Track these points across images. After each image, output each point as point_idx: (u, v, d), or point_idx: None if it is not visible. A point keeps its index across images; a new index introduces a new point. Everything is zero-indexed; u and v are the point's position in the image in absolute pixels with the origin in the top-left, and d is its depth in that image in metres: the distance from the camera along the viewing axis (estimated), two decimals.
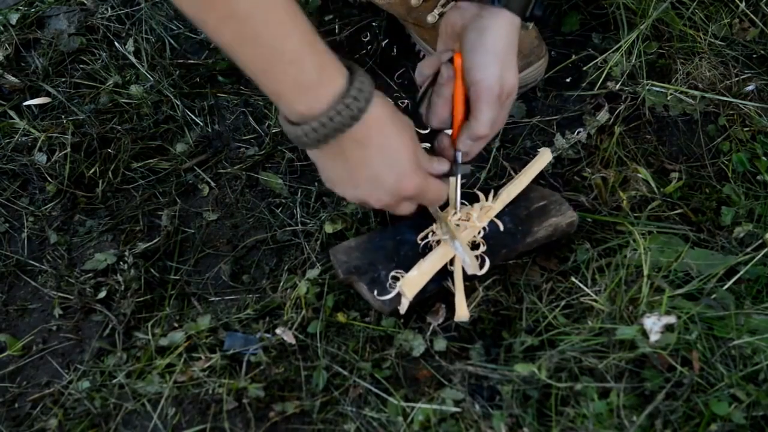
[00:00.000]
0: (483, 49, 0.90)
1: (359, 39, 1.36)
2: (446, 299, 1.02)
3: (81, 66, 1.40)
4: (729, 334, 0.91)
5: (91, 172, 1.25)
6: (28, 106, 1.35)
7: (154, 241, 1.16)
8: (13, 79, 1.39)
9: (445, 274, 1.01)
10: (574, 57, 1.30)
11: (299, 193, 1.19)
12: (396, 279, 0.99)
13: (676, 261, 1.00)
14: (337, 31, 1.36)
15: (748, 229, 1.05)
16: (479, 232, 1.04)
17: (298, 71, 0.74)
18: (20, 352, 1.07)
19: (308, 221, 1.15)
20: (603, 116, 1.19)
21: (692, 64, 1.24)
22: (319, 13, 1.39)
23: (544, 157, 1.12)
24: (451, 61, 0.92)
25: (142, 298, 1.09)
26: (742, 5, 1.30)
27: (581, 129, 1.19)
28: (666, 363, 0.89)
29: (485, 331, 1.01)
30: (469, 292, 1.02)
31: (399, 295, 0.98)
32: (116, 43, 1.40)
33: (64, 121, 1.30)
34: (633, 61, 1.24)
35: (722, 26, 1.29)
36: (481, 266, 1.01)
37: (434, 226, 1.04)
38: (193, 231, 1.18)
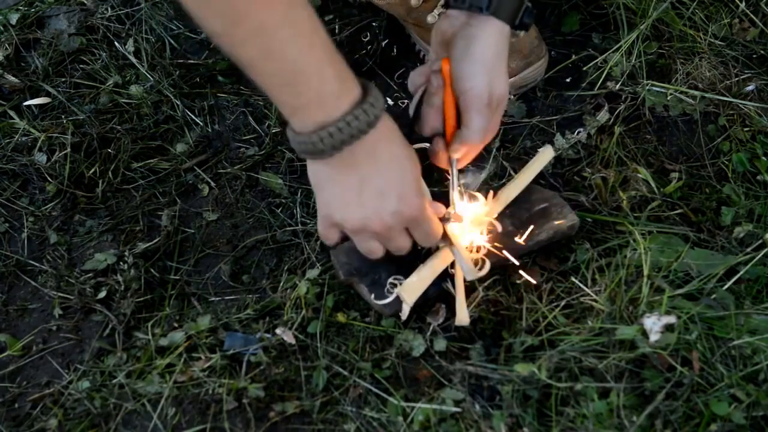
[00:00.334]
0: (471, 58, 0.90)
1: (359, 39, 1.36)
2: (446, 299, 1.02)
3: (81, 66, 1.40)
4: (729, 334, 0.91)
5: (91, 172, 1.25)
6: (28, 106, 1.35)
7: (154, 241, 1.16)
8: (13, 79, 1.39)
9: (445, 276, 1.01)
10: (574, 57, 1.30)
11: (299, 193, 1.19)
12: (395, 285, 0.99)
13: (676, 261, 1.00)
14: (337, 31, 1.36)
15: (748, 229, 1.05)
16: (479, 235, 1.04)
17: (321, 82, 0.75)
18: (20, 352, 1.07)
19: (308, 221, 1.15)
20: (603, 116, 1.19)
21: (692, 64, 1.24)
22: (319, 13, 1.38)
23: (546, 154, 1.12)
24: (440, 69, 0.92)
25: (142, 298, 1.09)
26: (742, 5, 1.30)
27: (581, 129, 1.19)
28: (666, 363, 0.89)
29: (485, 331, 1.01)
30: (469, 292, 1.02)
31: (398, 300, 0.98)
32: (116, 43, 1.40)
33: (64, 121, 1.30)
34: (633, 61, 1.24)
35: (722, 26, 1.29)
36: (482, 268, 1.01)
37: None
38: (193, 231, 1.18)
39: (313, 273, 1.06)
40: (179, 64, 1.36)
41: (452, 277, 1.01)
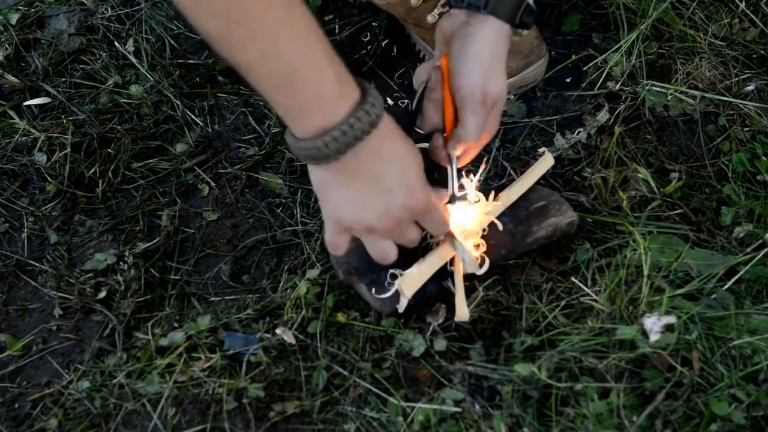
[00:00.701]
0: (466, 56, 0.90)
1: (359, 39, 1.36)
2: (446, 299, 1.02)
3: (81, 66, 1.40)
4: (729, 334, 0.91)
5: (91, 172, 1.25)
6: (28, 106, 1.35)
7: (154, 241, 1.16)
8: (13, 79, 1.39)
9: (445, 274, 1.01)
10: (574, 57, 1.30)
11: (299, 193, 1.19)
12: (394, 277, 0.99)
13: (676, 261, 1.00)
14: (337, 31, 1.36)
15: (748, 229, 1.05)
16: (478, 233, 1.04)
17: (320, 84, 0.74)
18: (20, 352, 1.07)
19: (308, 221, 1.15)
20: (603, 116, 1.19)
21: (692, 64, 1.24)
22: (319, 13, 1.39)
23: (545, 162, 1.12)
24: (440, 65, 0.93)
25: (142, 298, 1.09)
26: (742, 5, 1.30)
27: (581, 129, 1.19)
28: (666, 363, 0.89)
29: (485, 331, 1.01)
30: (469, 292, 1.02)
31: (398, 294, 0.98)
32: (116, 43, 1.40)
33: (64, 121, 1.30)
34: (633, 61, 1.24)
35: (722, 26, 1.29)
36: (481, 266, 1.01)
37: None
38: (193, 231, 1.18)
39: (313, 273, 1.06)
40: (179, 64, 1.36)
41: (452, 275, 1.01)
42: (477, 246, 1.03)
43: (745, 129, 1.18)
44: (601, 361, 0.91)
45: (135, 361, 1.02)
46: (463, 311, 0.98)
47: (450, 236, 0.99)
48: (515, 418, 0.90)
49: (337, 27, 1.37)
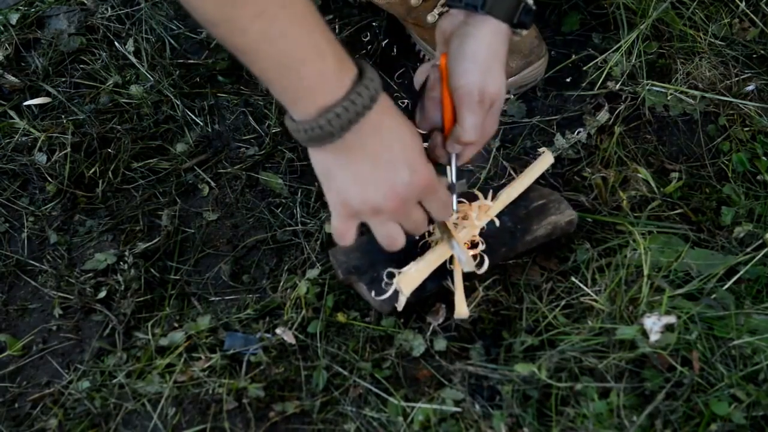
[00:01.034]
0: (463, 56, 0.90)
1: (359, 39, 1.36)
2: (446, 299, 1.02)
3: (81, 66, 1.40)
4: (729, 334, 0.91)
5: (91, 172, 1.25)
6: (28, 106, 1.35)
7: (154, 241, 1.16)
8: (13, 79, 1.39)
9: (444, 273, 1.01)
10: (574, 57, 1.30)
11: (299, 193, 1.19)
12: (392, 275, 0.99)
13: (676, 261, 1.00)
14: (337, 31, 1.36)
15: (748, 229, 1.05)
16: (477, 232, 1.04)
17: (322, 63, 0.75)
18: (20, 352, 1.07)
19: (308, 221, 1.15)
20: (603, 116, 1.19)
21: (692, 64, 1.24)
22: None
23: (545, 160, 1.12)
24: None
25: (142, 298, 1.09)
26: (742, 5, 1.30)
27: (581, 129, 1.19)
28: (666, 363, 0.89)
29: (485, 331, 1.01)
30: (469, 292, 1.02)
31: (397, 294, 0.98)
32: (116, 43, 1.40)
33: (64, 121, 1.30)
34: (633, 61, 1.24)
35: (722, 26, 1.29)
36: (480, 265, 1.01)
37: (432, 227, 1.04)
38: (193, 231, 1.18)
39: (313, 273, 1.06)
40: (179, 64, 1.36)
41: (452, 274, 1.01)
42: (476, 244, 1.03)
43: (745, 129, 1.18)
44: (601, 361, 0.91)
45: (135, 361, 1.02)
46: (462, 309, 0.98)
47: (447, 235, 0.99)
48: (515, 418, 0.90)
49: (337, 27, 1.37)
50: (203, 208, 1.21)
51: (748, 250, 1.03)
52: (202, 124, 1.30)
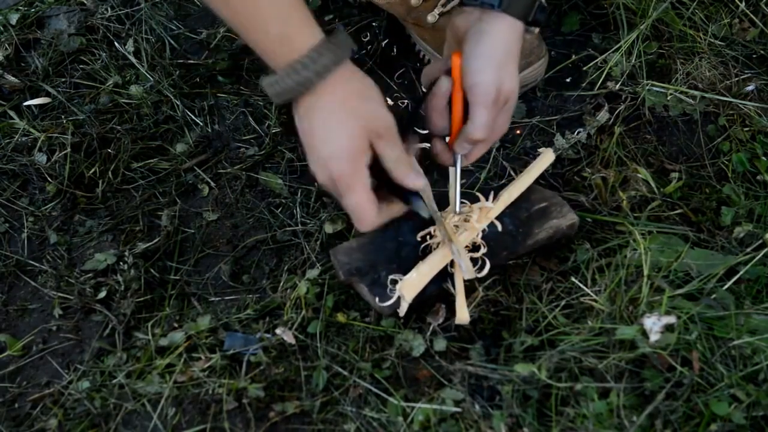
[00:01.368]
0: (479, 53, 0.90)
1: (359, 39, 1.36)
2: (446, 299, 1.02)
3: (81, 66, 1.40)
4: (729, 334, 0.91)
5: (91, 172, 1.25)
6: (28, 106, 1.35)
7: (154, 241, 1.16)
8: (13, 79, 1.39)
9: (445, 275, 1.01)
10: (574, 57, 1.30)
11: (299, 193, 1.19)
12: (395, 282, 0.99)
13: (676, 261, 1.00)
14: None
15: (748, 229, 1.05)
16: (479, 234, 1.04)
17: (265, 29, 0.80)
18: (20, 352, 1.07)
19: (308, 221, 1.15)
20: (603, 116, 1.19)
21: (692, 64, 1.24)
22: (319, 13, 1.39)
23: (546, 158, 1.12)
24: (448, 72, 0.92)
25: (142, 298, 1.09)
26: (742, 5, 1.30)
27: (581, 129, 1.19)
28: (666, 363, 0.89)
29: (485, 331, 1.01)
30: (469, 292, 1.02)
31: (400, 299, 0.98)
32: (116, 43, 1.40)
33: (64, 121, 1.30)
34: (633, 61, 1.24)
35: (722, 26, 1.29)
36: (482, 268, 1.01)
37: (433, 228, 1.04)
38: (193, 231, 1.18)
39: (313, 273, 1.06)
40: (179, 64, 1.36)
41: (452, 277, 1.01)
42: (477, 247, 1.03)
43: (745, 129, 1.18)
44: (601, 361, 0.91)
45: (135, 361, 1.02)
46: (463, 315, 0.98)
47: (448, 239, 0.99)
48: (515, 418, 0.90)
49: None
50: (203, 208, 1.21)
51: (748, 250, 1.03)
52: (202, 124, 1.30)
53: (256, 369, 0.99)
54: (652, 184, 1.12)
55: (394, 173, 0.86)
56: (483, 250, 1.03)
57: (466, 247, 1.03)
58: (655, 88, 1.21)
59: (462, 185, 1.02)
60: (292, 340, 1.00)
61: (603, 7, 1.33)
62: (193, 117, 1.30)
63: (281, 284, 1.08)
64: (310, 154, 0.86)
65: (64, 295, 1.11)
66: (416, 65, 1.33)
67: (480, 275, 1.01)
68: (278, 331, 1.01)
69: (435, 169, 1.05)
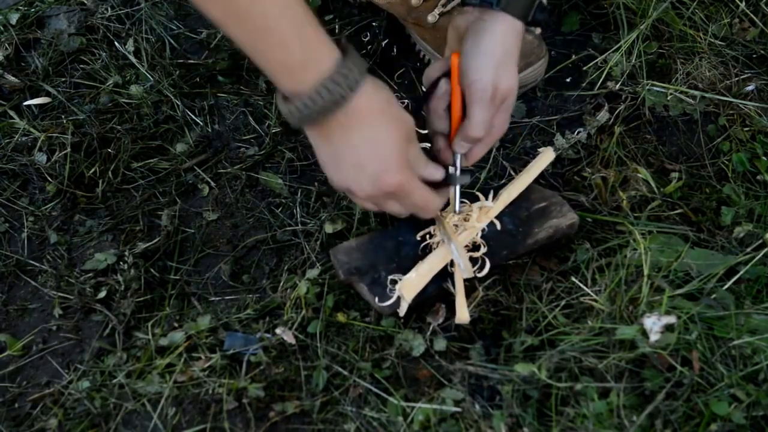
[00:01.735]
0: (477, 51, 0.91)
1: (359, 39, 1.36)
2: (446, 299, 1.02)
3: (81, 66, 1.40)
4: (729, 334, 0.91)
5: (91, 172, 1.25)
6: (28, 106, 1.35)
7: (154, 241, 1.16)
8: (13, 79, 1.39)
9: (445, 275, 1.01)
10: (574, 57, 1.30)
11: (299, 193, 1.19)
12: (395, 282, 0.99)
13: (676, 261, 1.00)
14: (337, 31, 1.36)
15: (748, 229, 1.05)
16: (478, 233, 1.04)
17: (285, 53, 0.75)
18: (20, 352, 1.07)
19: (308, 221, 1.15)
20: (603, 116, 1.19)
21: (692, 64, 1.24)
22: (319, 13, 1.39)
23: (546, 156, 1.12)
24: (448, 74, 0.92)
25: (142, 298, 1.09)
26: (742, 5, 1.30)
27: (581, 129, 1.19)
28: (666, 363, 0.89)
29: (485, 331, 1.01)
30: (469, 292, 1.02)
31: (400, 299, 0.98)
32: (116, 43, 1.40)
33: (64, 121, 1.30)
34: (633, 61, 1.24)
35: (722, 26, 1.29)
36: (482, 268, 1.01)
37: (433, 227, 1.04)
38: (193, 231, 1.18)
39: (313, 273, 1.06)
40: (179, 64, 1.36)
41: (452, 276, 1.01)
42: (477, 247, 1.03)
43: (745, 129, 1.18)
44: (601, 361, 0.91)
45: (135, 361, 1.02)
46: (463, 315, 0.98)
47: (447, 238, 0.99)
48: (515, 418, 0.90)
49: (337, 27, 1.37)
50: (203, 208, 1.21)
51: (748, 250, 1.03)
52: (202, 124, 1.30)
53: (256, 369, 0.99)
54: (652, 184, 1.12)
55: (416, 170, 0.89)
56: (483, 249, 1.03)
57: (466, 246, 1.03)
58: (655, 88, 1.21)
59: (462, 185, 1.03)
60: (292, 340, 1.01)
61: (603, 7, 1.33)
62: (193, 117, 1.30)
63: (281, 284, 1.08)
64: (355, 172, 0.83)
65: (64, 294, 1.11)
66: (416, 65, 1.33)
67: (480, 275, 1.01)
68: (278, 330, 1.01)
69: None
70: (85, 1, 1.47)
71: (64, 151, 1.26)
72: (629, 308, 0.95)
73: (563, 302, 1.00)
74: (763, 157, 1.14)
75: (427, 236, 1.04)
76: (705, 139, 1.19)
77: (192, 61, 1.37)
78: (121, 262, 1.12)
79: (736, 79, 1.23)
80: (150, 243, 1.15)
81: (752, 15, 1.30)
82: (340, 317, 1.02)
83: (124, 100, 1.33)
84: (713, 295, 0.97)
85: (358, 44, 1.36)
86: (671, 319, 0.91)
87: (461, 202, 1.04)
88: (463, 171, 0.98)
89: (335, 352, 1.00)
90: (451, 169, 0.98)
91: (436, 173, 0.92)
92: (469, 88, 0.91)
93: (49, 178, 1.24)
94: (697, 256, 1.01)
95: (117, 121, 1.31)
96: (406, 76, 1.33)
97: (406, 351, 0.99)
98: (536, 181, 1.11)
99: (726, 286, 0.98)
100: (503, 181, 1.16)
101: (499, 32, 0.91)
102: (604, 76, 1.24)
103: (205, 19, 0.76)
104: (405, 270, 1.00)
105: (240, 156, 1.26)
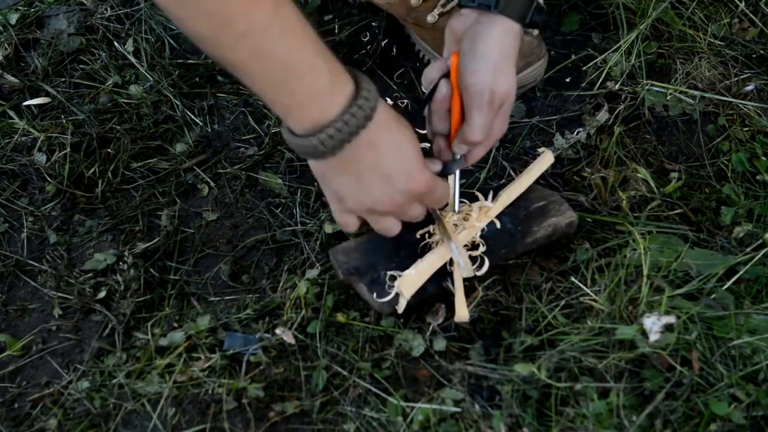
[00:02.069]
0: (475, 54, 0.91)
1: (359, 39, 1.36)
2: (446, 299, 1.02)
3: (80, 66, 1.40)
4: (729, 334, 0.91)
5: (90, 172, 1.25)
6: (28, 106, 1.35)
7: (154, 241, 1.16)
8: (12, 79, 1.39)
9: (444, 274, 1.01)
10: (573, 57, 1.30)
11: (299, 193, 1.19)
12: (394, 278, 0.99)
13: (675, 261, 1.00)
14: (337, 31, 1.36)
15: (748, 229, 1.05)
16: (477, 233, 1.04)
17: (314, 80, 0.74)
18: (20, 352, 1.07)
19: (308, 221, 1.15)
20: (602, 116, 1.19)
21: (692, 64, 1.24)
22: (319, 13, 1.39)
23: (545, 160, 1.12)
24: (448, 75, 0.92)
25: (141, 298, 1.09)
26: (742, 5, 1.30)
27: (581, 129, 1.20)
28: (666, 363, 0.89)
29: (485, 331, 1.01)
30: (469, 292, 1.02)
31: (398, 297, 0.98)
32: (116, 43, 1.40)
33: (64, 121, 1.30)
34: (632, 61, 1.24)
35: (722, 26, 1.29)
36: (481, 267, 1.01)
37: (432, 227, 1.04)
38: (192, 231, 1.18)
39: (312, 273, 1.06)
40: (179, 64, 1.36)
41: (452, 276, 1.01)
42: (476, 246, 1.03)
43: (745, 129, 1.18)
44: (601, 361, 0.91)
45: (135, 361, 1.02)
46: (463, 313, 0.98)
47: (447, 237, 0.99)
48: (515, 418, 0.90)
49: (337, 27, 1.37)
50: (203, 208, 1.21)
51: (748, 250, 1.03)
52: (201, 124, 1.30)
53: (255, 369, 0.99)
54: (652, 184, 1.12)
55: None
56: (482, 248, 1.03)
57: (465, 245, 1.03)
58: (654, 88, 1.21)
59: (461, 185, 1.03)
60: (292, 340, 1.01)
61: (603, 7, 1.33)
62: (192, 117, 1.30)
63: (281, 284, 1.08)
64: (384, 186, 0.83)
65: (63, 295, 1.11)
66: (416, 65, 1.33)
67: (479, 273, 1.01)
68: (278, 331, 1.01)
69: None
70: (85, 1, 1.47)
71: (64, 151, 1.26)
72: (629, 308, 0.95)
73: (563, 302, 1.00)
74: (763, 157, 1.14)
75: (427, 235, 1.04)
76: (704, 139, 1.19)
77: (191, 61, 1.37)
78: (120, 262, 1.12)
79: (736, 79, 1.23)
80: (150, 243, 1.15)
81: (752, 15, 1.30)
82: (340, 317, 1.02)
83: (123, 100, 1.33)
84: (713, 295, 0.97)
85: (357, 44, 1.36)
86: (671, 319, 0.91)
87: (461, 202, 1.04)
88: (456, 160, 0.99)
89: (335, 352, 1.00)
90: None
91: (435, 166, 0.95)
92: (466, 91, 0.91)
93: (49, 178, 1.24)
94: (697, 256, 1.01)
95: (116, 121, 1.31)
96: (405, 76, 1.33)
97: (406, 351, 0.99)
98: (536, 181, 1.11)
99: (726, 286, 0.98)
100: (503, 181, 1.16)
101: (496, 35, 0.91)
102: (603, 76, 1.24)
103: None
104: (404, 269, 1.00)
105: (239, 156, 1.26)
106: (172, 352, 1.01)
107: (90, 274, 1.13)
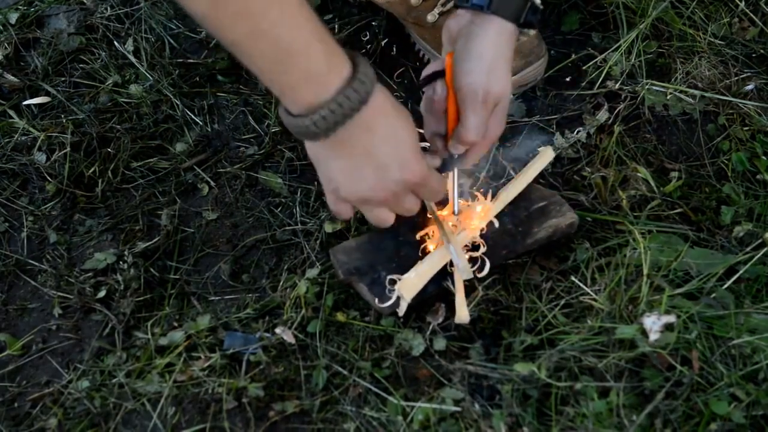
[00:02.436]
0: (468, 55, 0.90)
1: (359, 38, 1.36)
2: (446, 299, 1.02)
3: (80, 65, 1.39)
4: (729, 334, 0.91)
5: (90, 171, 1.25)
6: (28, 106, 1.35)
7: (154, 240, 1.16)
8: (12, 78, 1.39)
9: (445, 274, 1.01)
10: (573, 56, 1.30)
11: (299, 193, 1.19)
12: (394, 282, 0.99)
13: (675, 260, 1.00)
14: (337, 30, 1.36)
15: (748, 229, 1.05)
16: (478, 233, 1.04)
17: (308, 61, 0.74)
18: (20, 351, 1.07)
19: (308, 221, 1.15)
20: (602, 115, 1.19)
21: (692, 64, 1.24)
22: (319, 13, 1.38)
23: (545, 156, 1.12)
24: (444, 74, 0.92)
25: (141, 298, 1.09)
26: (742, 4, 1.30)
27: (581, 128, 1.19)
28: (666, 362, 0.89)
29: (485, 331, 1.01)
30: (469, 291, 1.02)
31: (399, 299, 0.98)
32: (116, 43, 1.40)
33: (64, 121, 1.30)
34: (632, 60, 1.24)
35: (722, 25, 1.29)
36: (481, 268, 1.01)
37: (432, 228, 1.04)
38: (192, 230, 1.18)
39: (312, 272, 1.06)
40: (179, 64, 1.36)
41: (452, 276, 1.01)
42: (477, 247, 1.03)
43: (745, 128, 1.18)
44: (601, 360, 0.91)
45: (135, 360, 1.02)
46: (463, 314, 0.98)
47: (446, 239, 0.99)
48: (515, 417, 0.90)
49: (336, 26, 1.37)
50: (203, 207, 1.21)
51: (748, 249, 1.03)
52: (201, 123, 1.30)
53: (255, 368, 0.99)
54: (652, 184, 1.12)
55: None
56: (482, 249, 1.03)
57: (465, 246, 1.03)
58: (654, 88, 1.21)
59: (460, 185, 1.03)
60: (292, 340, 1.01)
61: (603, 6, 1.33)
62: (192, 116, 1.30)
63: (281, 283, 1.08)
64: (378, 174, 0.82)
65: (63, 294, 1.11)
66: (416, 65, 1.33)
67: (480, 275, 1.01)
68: (278, 330, 1.01)
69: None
70: (85, 1, 1.47)
71: (64, 151, 1.26)
72: (629, 307, 0.95)
73: (563, 301, 1.00)
74: (763, 157, 1.14)
75: (427, 236, 1.04)
76: (705, 138, 1.19)
77: (191, 61, 1.37)
78: (120, 262, 1.12)
79: (736, 78, 1.23)
80: (150, 242, 1.15)
81: (752, 14, 1.30)
82: (340, 317, 1.02)
83: (123, 99, 1.33)
84: (713, 295, 0.97)
85: (357, 43, 1.36)
86: (671, 319, 0.91)
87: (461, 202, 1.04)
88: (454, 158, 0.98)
89: (335, 351, 1.00)
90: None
91: (434, 161, 0.94)
92: (461, 91, 0.91)
93: (49, 178, 1.24)
94: (697, 256, 1.01)
95: (116, 120, 1.31)
96: (405, 75, 1.33)
97: (406, 350, 0.99)
98: (536, 180, 1.11)
99: (726, 286, 0.98)
100: (503, 181, 1.16)
101: (490, 35, 0.91)
102: (603, 75, 1.24)
103: None
104: (405, 270, 1.00)
105: (239, 155, 1.26)
106: (172, 352, 1.01)
107: (90, 274, 1.13)
